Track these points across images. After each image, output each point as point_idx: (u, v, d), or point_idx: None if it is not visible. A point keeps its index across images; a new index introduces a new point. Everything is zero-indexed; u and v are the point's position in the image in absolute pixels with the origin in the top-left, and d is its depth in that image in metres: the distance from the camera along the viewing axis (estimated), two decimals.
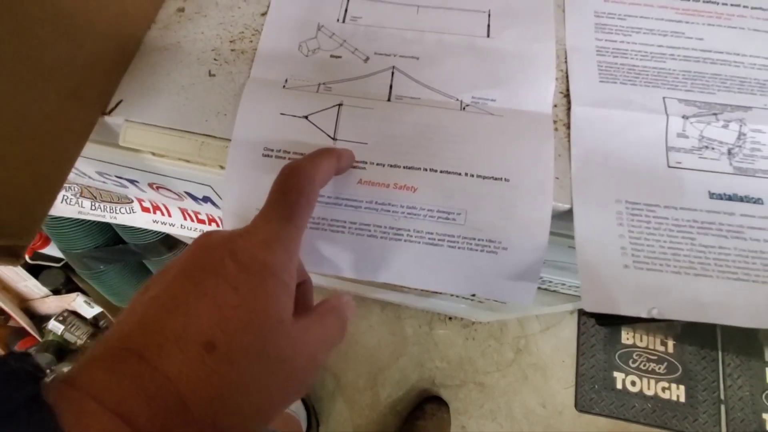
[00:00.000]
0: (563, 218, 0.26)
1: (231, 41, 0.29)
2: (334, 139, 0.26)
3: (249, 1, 0.30)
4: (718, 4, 0.31)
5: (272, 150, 0.26)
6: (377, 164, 0.25)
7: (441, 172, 0.25)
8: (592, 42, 0.30)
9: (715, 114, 0.28)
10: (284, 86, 0.27)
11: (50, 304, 0.91)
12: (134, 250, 0.70)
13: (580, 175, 0.26)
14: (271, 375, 0.16)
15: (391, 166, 0.25)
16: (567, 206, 0.26)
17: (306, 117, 0.26)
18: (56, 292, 0.90)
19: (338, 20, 0.29)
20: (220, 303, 0.16)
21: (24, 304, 0.93)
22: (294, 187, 0.20)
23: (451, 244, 0.25)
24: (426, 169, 0.25)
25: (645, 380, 1.06)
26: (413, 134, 0.26)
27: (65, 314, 0.90)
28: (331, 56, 0.28)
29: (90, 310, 0.89)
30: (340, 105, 0.27)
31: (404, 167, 0.25)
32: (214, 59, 0.28)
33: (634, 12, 0.31)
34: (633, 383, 1.06)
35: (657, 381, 1.06)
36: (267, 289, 0.17)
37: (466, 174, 0.25)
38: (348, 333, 0.21)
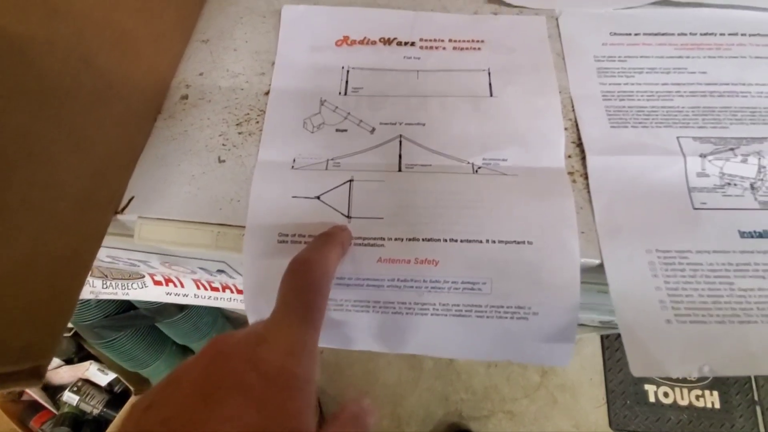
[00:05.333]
0: (595, 270, 0.26)
1: (237, 124, 0.29)
2: (348, 217, 0.25)
3: (251, 81, 0.30)
4: (715, 35, 0.31)
5: (287, 235, 0.25)
6: (395, 239, 0.25)
7: (461, 241, 0.25)
8: (596, 87, 0.29)
9: (731, 149, 0.27)
10: (293, 166, 0.27)
11: (63, 374, 0.89)
12: (145, 314, 0.70)
13: (606, 227, 0.25)
14: None
15: (409, 240, 0.25)
16: (596, 261, 0.25)
17: (318, 197, 0.26)
18: (69, 361, 0.88)
19: (340, 93, 0.29)
20: (243, 428, 0.14)
21: None
22: (309, 284, 0.19)
23: (479, 314, 0.24)
24: (446, 240, 0.25)
25: (677, 390, 1.03)
26: (429, 203, 0.26)
27: (79, 384, 0.88)
28: (337, 130, 0.28)
29: (104, 377, 0.87)
30: (351, 181, 0.26)
31: (423, 240, 0.25)
32: (223, 144, 0.28)
33: (634, 52, 0.31)
34: (666, 395, 1.03)
35: (690, 389, 1.03)
36: (294, 407, 0.15)
37: (488, 241, 0.25)
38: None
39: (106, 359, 0.87)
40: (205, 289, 0.45)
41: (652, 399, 1.03)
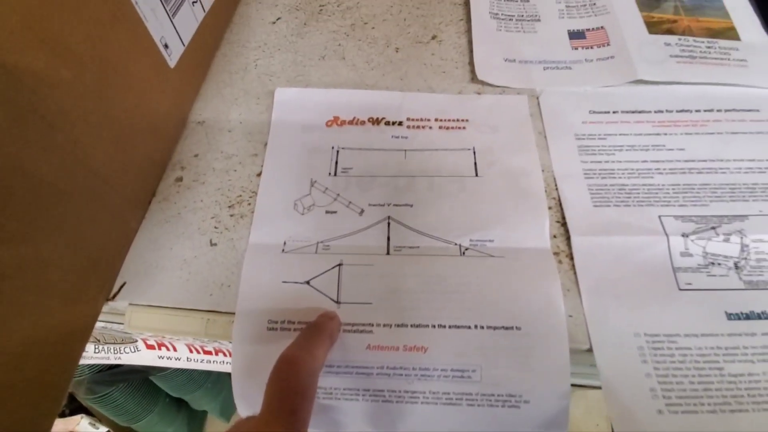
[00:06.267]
0: (584, 354, 0.26)
1: (230, 206, 0.30)
2: (337, 302, 0.26)
3: (244, 163, 0.31)
4: (691, 111, 0.33)
5: (276, 322, 0.25)
6: (384, 325, 0.25)
7: (450, 327, 0.25)
8: (578, 165, 0.30)
9: (713, 228, 0.28)
10: (283, 250, 0.27)
11: (54, 427, 0.87)
12: (139, 368, 0.68)
13: (593, 311, 0.26)
14: None
15: (398, 326, 0.25)
16: (585, 346, 0.25)
17: (308, 282, 0.26)
18: (60, 414, 0.86)
19: (330, 174, 0.30)
20: None
21: None
22: (295, 387, 0.20)
23: (470, 403, 0.24)
24: (434, 326, 0.25)
25: None
26: (417, 288, 0.26)
27: None
28: (327, 212, 0.29)
29: (95, 431, 0.84)
30: (340, 265, 0.27)
31: (412, 326, 0.25)
32: (215, 227, 0.29)
33: (613, 130, 0.32)
34: None
35: None
36: None
37: (476, 326, 0.25)
38: None
39: (98, 412, 0.85)
40: (198, 352, 0.45)
41: None
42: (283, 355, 0.21)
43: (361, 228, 0.28)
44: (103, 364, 0.66)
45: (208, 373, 0.77)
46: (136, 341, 0.45)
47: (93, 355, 0.46)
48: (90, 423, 0.83)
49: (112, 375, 0.67)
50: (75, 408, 0.87)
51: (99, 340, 0.45)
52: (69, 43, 0.21)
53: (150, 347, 0.45)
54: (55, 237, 0.22)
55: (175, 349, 0.45)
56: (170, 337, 0.38)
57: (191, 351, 0.45)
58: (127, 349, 0.45)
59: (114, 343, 0.45)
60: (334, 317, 0.25)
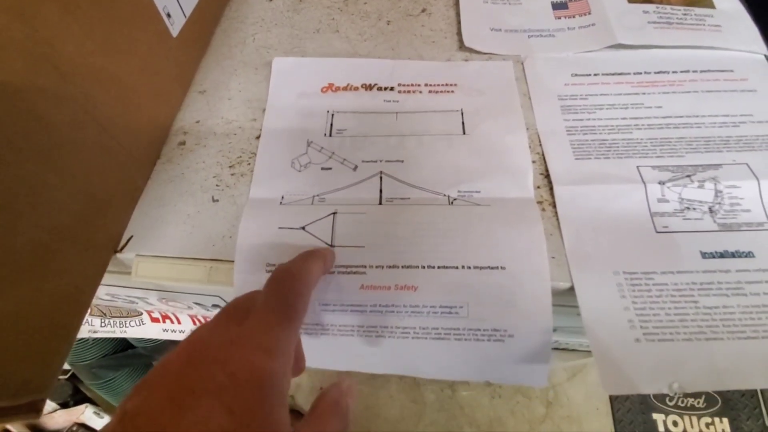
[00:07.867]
0: (566, 293, 0.27)
1: (230, 166, 0.31)
2: (332, 246, 0.27)
3: (244, 127, 0.33)
4: (668, 72, 0.34)
5: (274, 264, 0.27)
6: (376, 267, 0.26)
7: (438, 267, 0.26)
8: (561, 123, 0.32)
9: (688, 176, 0.29)
10: (281, 203, 0.29)
11: (58, 418, 0.88)
12: (143, 353, 0.70)
13: (575, 252, 0.27)
14: None
15: (389, 267, 0.26)
16: (567, 284, 0.26)
17: (303, 228, 0.28)
18: (64, 404, 0.87)
19: (325, 134, 0.32)
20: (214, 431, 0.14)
21: (31, 422, 0.90)
22: (292, 289, 0.20)
23: (457, 337, 0.26)
24: (424, 267, 0.26)
25: (686, 418, 1.00)
26: (407, 233, 0.27)
27: (74, 428, 0.86)
28: (322, 168, 0.30)
29: (100, 421, 0.85)
30: (334, 213, 0.28)
31: (403, 267, 0.26)
32: (216, 185, 0.30)
33: (594, 91, 0.33)
34: (675, 423, 1.00)
35: (699, 417, 1.00)
36: (265, 407, 0.15)
37: (463, 267, 0.26)
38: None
39: (102, 401, 0.86)
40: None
41: (661, 428, 1.00)
42: (280, 266, 0.22)
43: (355, 182, 0.30)
44: (108, 350, 0.68)
45: None
46: (141, 314, 0.46)
47: (99, 328, 0.47)
48: (95, 412, 0.85)
49: (117, 359, 0.69)
50: (80, 399, 0.88)
51: (105, 314, 0.47)
52: (78, 0, 0.23)
53: (155, 320, 0.47)
54: (67, 184, 0.23)
55: (179, 322, 0.47)
56: (174, 304, 0.40)
57: (195, 323, 0.47)
58: (133, 323, 0.47)
59: (120, 317, 0.47)
60: (328, 249, 0.26)
